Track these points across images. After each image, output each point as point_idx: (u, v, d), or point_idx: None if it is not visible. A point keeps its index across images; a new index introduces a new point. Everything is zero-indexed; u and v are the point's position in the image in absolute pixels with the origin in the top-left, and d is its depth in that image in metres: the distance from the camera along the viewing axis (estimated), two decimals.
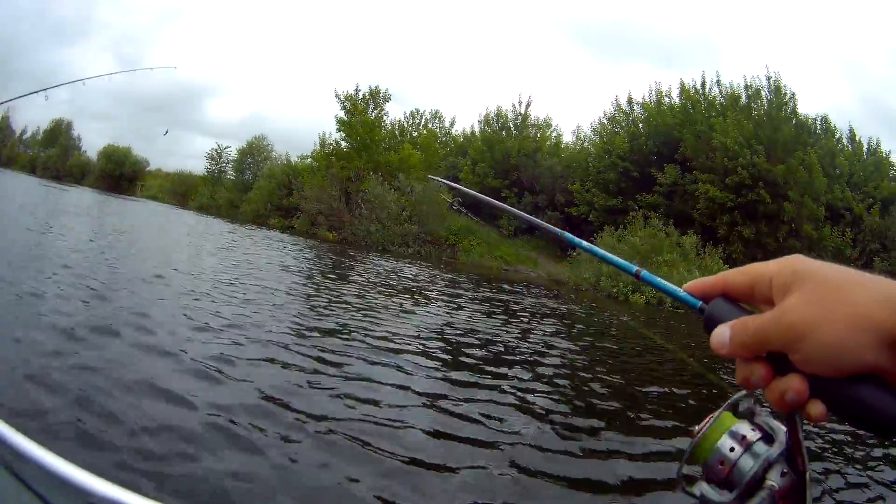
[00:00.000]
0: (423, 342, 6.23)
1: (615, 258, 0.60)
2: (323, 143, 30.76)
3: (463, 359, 5.81)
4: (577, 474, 3.36)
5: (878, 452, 4.43)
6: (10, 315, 4.74)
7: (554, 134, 32.23)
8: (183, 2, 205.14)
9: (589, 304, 14.77)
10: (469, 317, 8.63)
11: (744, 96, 24.38)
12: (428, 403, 4.18)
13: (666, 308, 15.98)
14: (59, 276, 6.67)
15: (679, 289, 0.49)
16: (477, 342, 6.70)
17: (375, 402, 4.01)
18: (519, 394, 4.74)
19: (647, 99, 27.52)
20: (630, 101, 27.93)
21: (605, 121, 29.06)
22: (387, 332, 6.39)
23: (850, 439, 4.59)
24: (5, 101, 5.24)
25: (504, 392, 4.74)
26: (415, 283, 12.36)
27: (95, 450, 2.69)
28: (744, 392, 0.48)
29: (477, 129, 34.15)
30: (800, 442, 0.44)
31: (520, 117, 31.59)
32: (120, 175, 51.15)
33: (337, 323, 6.55)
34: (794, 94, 23.45)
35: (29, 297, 5.41)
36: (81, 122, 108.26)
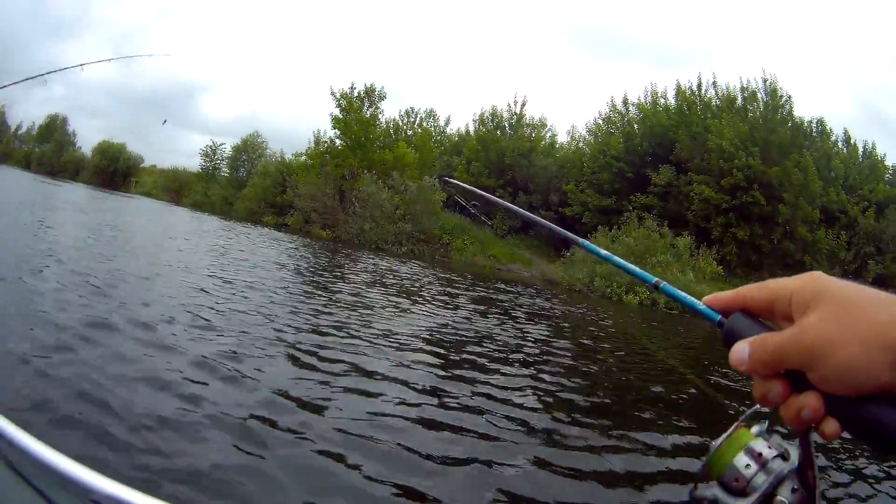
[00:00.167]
0: (421, 340, 6.24)
1: (635, 268, 0.62)
2: (318, 141, 30.55)
3: (463, 356, 5.83)
4: (579, 466, 3.41)
5: (888, 467, 4.38)
6: (9, 311, 4.71)
7: (549, 134, 32.18)
8: None
9: (583, 304, 14.80)
10: (467, 316, 8.64)
11: (740, 98, 24.34)
12: (428, 400, 4.21)
13: (660, 309, 16.05)
14: (56, 272, 6.65)
15: (699, 302, 0.50)
16: (474, 339, 6.70)
17: (374, 396, 4.03)
18: (519, 393, 4.78)
19: (643, 100, 27.51)
20: (626, 102, 27.92)
21: (600, 121, 29.08)
22: (383, 329, 6.39)
23: (859, 454, 4.54)
24: (6, 86, 5.27)
25: (504, 389, 4.78)
26: (409, 282, 12.35)
27: (95, 445, 2.68)
28: (756, 407, 0.49)
29: (472, 129, 34.08)
30: (812, 459, 0.44)
31: (515, 117, 31.47)
32: (114, 171, 50.83)
33: (334, 320, 6.54)
34: (790, 96, 23.48)
35: (28, 293, 5.38)
36: (77, 119, 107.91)
